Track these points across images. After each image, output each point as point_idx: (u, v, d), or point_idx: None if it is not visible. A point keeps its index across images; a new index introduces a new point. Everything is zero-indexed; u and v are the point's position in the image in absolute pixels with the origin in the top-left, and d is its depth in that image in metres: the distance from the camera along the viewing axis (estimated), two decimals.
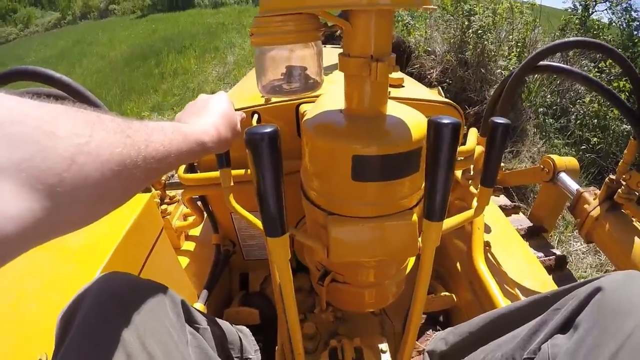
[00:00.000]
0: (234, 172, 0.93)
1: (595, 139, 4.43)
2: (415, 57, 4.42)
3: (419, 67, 4.38)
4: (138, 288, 0.61)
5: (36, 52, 14.13)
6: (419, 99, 1.06)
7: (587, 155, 4.20)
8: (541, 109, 4.11)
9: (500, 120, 0.64)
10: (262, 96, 1.06)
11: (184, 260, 1.33)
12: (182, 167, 1.13)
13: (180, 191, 1.48)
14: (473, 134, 1.28)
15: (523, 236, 1.65)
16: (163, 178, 1.45)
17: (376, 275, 0.91)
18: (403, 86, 1.17)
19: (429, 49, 4.46)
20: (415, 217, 0.75)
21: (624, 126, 4.53)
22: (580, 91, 4.45)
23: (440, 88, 2.18)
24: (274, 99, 1.06)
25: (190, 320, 0.72)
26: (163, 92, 6.88)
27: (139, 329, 0.55)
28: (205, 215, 1.35)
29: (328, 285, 0.92)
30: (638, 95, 1.22)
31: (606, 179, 1.43)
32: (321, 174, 0.77)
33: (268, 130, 0.50)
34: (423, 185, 0.77)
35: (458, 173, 1.39)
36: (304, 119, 0.81)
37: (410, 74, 4.43)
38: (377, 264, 0.87)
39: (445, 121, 0.52)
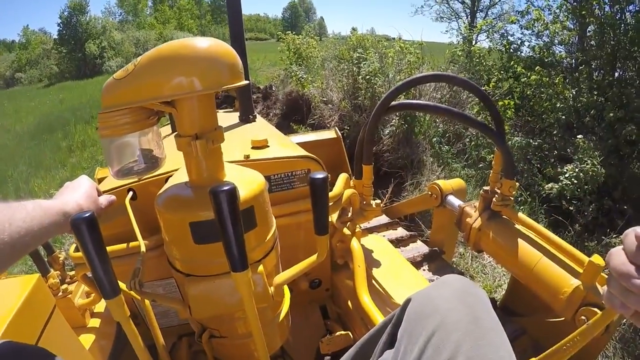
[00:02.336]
0: (116, 247, 1.06)
1: (491, 156, 4.77)
2: (314, 107, 4.58)
3: (319, 117, 4.54)
4: (26, 353, 0.65)
5: None
6: (277, 158, 1.17)
7: (487, 171, 4.50)
8: (435, 139, 4.38)
9: (318, 175, 0.71)
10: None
11: (90, 338, 1.32)
12: (73, 246, 1.17)
13: None
14: (341, 178, 1.37)
15: (421, 262, 1.74)
16: (61, 258, 1.43)
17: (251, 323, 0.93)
18: (268, 146, 1.27)
19: (325, 99, 4.65)
20: (262, 268, 0.83)
21: (515, 139, 4.94)
22: None
23: (336, 128, 2.26)
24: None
25: None
26: (71, 166, 6.55)
27: None
28: None
29: (211, 341, 0.98)
30: (490, 112, 1.35)
31: (481, 191, 1.52)
32: (173, 242, 0.86)
33: (86, 215, 0.60)
34: (268, 237, 0.88)
35: (334, 216, 1.43)
36: (158, 193, 0.90)
37: (312, 125, 4.57)
38: (245, 314, 0.90)
39: (222, 188, 0.61)
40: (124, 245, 1.10)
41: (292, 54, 7.61)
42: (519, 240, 1.36)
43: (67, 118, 9.21)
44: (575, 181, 3.97)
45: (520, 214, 1.42)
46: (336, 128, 2.38)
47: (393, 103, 1.33)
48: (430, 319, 0.59)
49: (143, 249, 0.92)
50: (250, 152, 1.19)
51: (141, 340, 0.76)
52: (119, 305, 0.69)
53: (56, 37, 22.04)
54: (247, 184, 0.83)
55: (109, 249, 0.97)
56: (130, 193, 1.10)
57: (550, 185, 4.10)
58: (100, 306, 1.54)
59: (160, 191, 0.90)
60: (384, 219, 2.11)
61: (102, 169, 2.21)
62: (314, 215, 0.78)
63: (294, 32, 8.05)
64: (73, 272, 1.55)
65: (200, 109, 0.77)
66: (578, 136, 4.40)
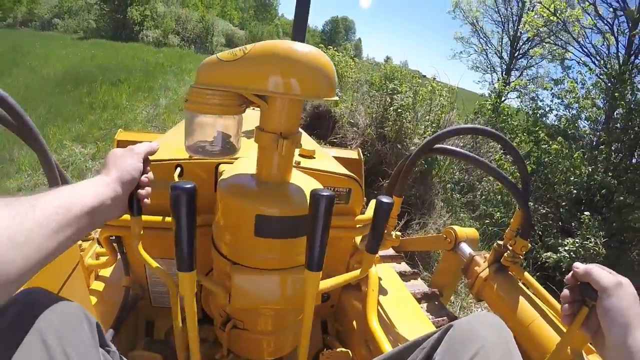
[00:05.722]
0: (151, 218, 1.04)
1: (498, 214, 4.81)
2: (339, 127, 4.64)
3: (342, 137, 4.60)
4: (58, 302, 0.66)
5: None
6: (325, 171, 1.21)
7: (490, 228, 4.53)
8: (449, 185, 4.45)
9: (384, 199, 0.79)
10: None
11: (92, 300, 1.34)
12: None
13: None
14: (373, 205, 1.39)
15: (419, 300, 1.79)
16: None
17: (274, 323, 0.99)
18: (314, 157, 1.31)
19: (352, 121, 4.71)
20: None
21: None
22: None
23: (360, 150, 2.31)
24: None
25: (102, 343, 0.76)
26: (89, 123, 6.53)
27: (61, 337, 0.59)
28: (119, 256, 1.34)
29: (230, 332, 1.00)
30: (521, 174, 1.41)
31: (494, 244, 1.57)
32: (229, 228, 0.88)
33: (187, 186, 0.65)
34: None
35: (358, 239, 1.47)
36: (220, 178, 0.93)
37: (333, 143, 4.64)
38: (274, 312, 0.96)
39: (323, 193, 0.67)
40: (160, 218, 1.12)
41: None
42: (520, 297, 1.42)
43: (95, 75, 9.16)
44: (574, 255, 4.02)
45: (526, 273, 1.49)
46: (359, 150, 2.42)
47: (437, 145, 1.40)
48: (473, 343, 0.68)
49: None
50: (300, 159, 1.23)
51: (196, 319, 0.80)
52: (190, 281, 0.73)
53: None
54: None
55: (148, 218, 1.03)
56: (179, 169, 1.12)
57: (548, 254, 4.15)
58: (106, 271, 1.55)
59: (224, 177, 0.93)
60: (390, 250, 2.16)
61: (123, 132, 2.21)
62: (371, 235, 0.84)
63: (334, 48, 8.12)
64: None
65: (289, 111, 0.81)
66: (585, 213, 4.46)
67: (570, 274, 0.73)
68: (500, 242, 1.57)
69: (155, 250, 1.02)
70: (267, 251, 0.85)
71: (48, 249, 0.55)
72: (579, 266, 0.72)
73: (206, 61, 0.78)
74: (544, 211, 4.93)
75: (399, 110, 4.40)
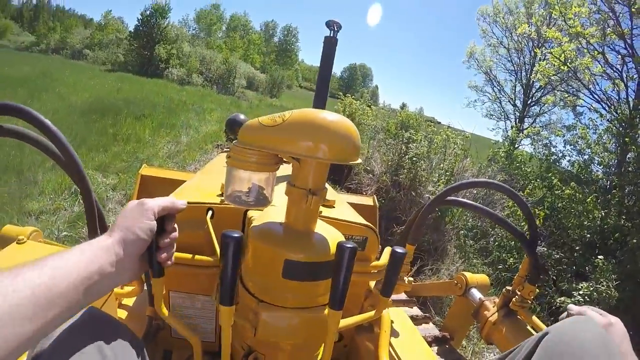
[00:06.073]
0: (182, 255, 1.13)
1: (511, 260, 4.78)
2: (354, 173, 4.76)
3: (357, 183, 4.71)
4: (114, 323, 0.73)
5: None
6: (344, 220, 1.29)
7: (504, 274, 4.51)
8: (462, 231, 4.47)
9: (398, 249, 0.89)
10: (221, 199, 1.26)
11: None
12: None
13: None
14: (387, 252, 1.45)
15: (430, 343, 1.85)
16: None
17: (292, 356, 1.06)
18: (334, 207, 1.41)
19: (368, 168, 4.83)
20: (327, 312, 0.92)
21: (538, 248, 4.97)
22: None
23: (375, 197, 2.38)
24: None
25: None
26: (112, 154, 6.65)
27: (116, 354, 0.65)
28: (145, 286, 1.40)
29: None
30: (529, 223, 1.49)
31: (504, 290, 1.63)
32: (258, 270, 0.96)
33: (236, 235, 0.75)
34: None
35: (372, 283, 1.52)
36: (252, 224, 1.01)
37: (348, 188, 4.75)
38: (295, 347, 1.03)
39: (348, 245, 0.78)
40: (190, 255, 1.19)
41: (347, 115, 7.91)
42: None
43: (120, 107, 9.46)
44: (588, 299, 3.97)
45: (534, 317, 1.53)
46: (374, 196, 2.45)
47: (450, 197, 1.50)
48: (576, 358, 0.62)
49: None
50: (322, 209, 1.31)
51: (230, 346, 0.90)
52: (229, 313, 0.83)
53: (131, 30, 23.26)
54: (333, 239, 0.97)
55: (178, 255, 1.12)
56: (210, 212, 1.21)
57: (562, 299, 4.10)
58: (129, 300, 1.60)
59: (255, 223, 1.02)
60: (402, 295, 2.22)
61: (147, 167, 2.32)
62: (386, 279, 0.94)
63: (352, 96, 8.33)
64: None
65: (318, 171, 0.90)
66: (599, 256, 4.44)
67: (564, 314, 0.79)
68: (509, 288, 1.63)
69: (182, 285, 1.13)
70: (292, 292, 0.94)
71: (20, 339, 0.48)
72: (573, 308, 0.77)
73: (249, 124, 0.89)
74: (558, 256, 4.89)
75: (414, 158, 4.53)
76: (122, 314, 1.52)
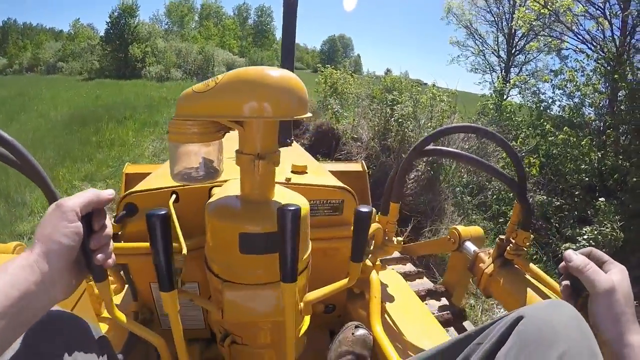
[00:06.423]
0: (143, 245, 1.09)
1: (511, 211, 4.73)
2: (343, 143, 4.68)
3: (347, 153, 4.62)
4: (73, 319, 0.72)
5: None
6: (318, 185, 1.23)
7: (505, 226, 4.47)
8: (458, 188, 4.41)
9: (363, 208, 0.82)
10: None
11: (103, 327, 1.35)
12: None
13: None
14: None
15: (424, 297, 1.86)
16: None
17: (272, 336, 1.02)
18: (306, 172, 1.33)
19: (355, 136, 4.74)
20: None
21: (537, 197, 4.94)
22: None
23: (363, 162, 2.32)
24: None
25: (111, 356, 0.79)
26: (98, 162, 6.65)
27: (71, 348, 0.66)
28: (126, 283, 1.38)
29: (230, 347, 1.03)
30: (516, 167, 1.42)
31: (497, 239, 1.56)
32: (217, 248, 0.93)
33: (162, 212, 0.70)
34: (304, 258, 0.95)
35: None
36: (207, 202, 0.97)
37: (338, 159, 4.65)
38: (270, 325, 0.99)
39: (290, 208, 0.70)
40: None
41: (328, 87, 7.84)
42: (528, 289, 1.40)
43: (101, 114, 9.40)
44: (594, 243, 3.94)
45: (531, 265, 1.46)
46: (363, 161, 2.43)
47: (428, 147, 1.40)
48: (553, 346, 0.56)
49: (184, 251, 0.98)
50: (291, 175, 1.26)
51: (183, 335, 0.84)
52: (172, 299, 0.78)
53: (102, 34, 22.96)
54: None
55: (142, 244, 1.06)
56: (174, 196, 1.15)
57: (567, 245, 4.08)
58: (117, 298, 1.55)
59: (212, 200, 0.97)
60: (395, 253, 2.16)
61: (131, 165, 2.27)
62: (354, 244, 0.85)
63: (332, 66, 8.25)
64: None
65: (265, 132, 0.84)
66: (600, 199, 4.40)
67: (562, 264, 0.70)
68: (503, 237, 1.56)
69: (151, 275, 1.03)
70: (253, 267, 0.88)
71: None
72: (571, 259, 0.67)
73: (183, 94, 0.82)
74: (558, 203, 4.85)
75: (400, 120, 4.44)
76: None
